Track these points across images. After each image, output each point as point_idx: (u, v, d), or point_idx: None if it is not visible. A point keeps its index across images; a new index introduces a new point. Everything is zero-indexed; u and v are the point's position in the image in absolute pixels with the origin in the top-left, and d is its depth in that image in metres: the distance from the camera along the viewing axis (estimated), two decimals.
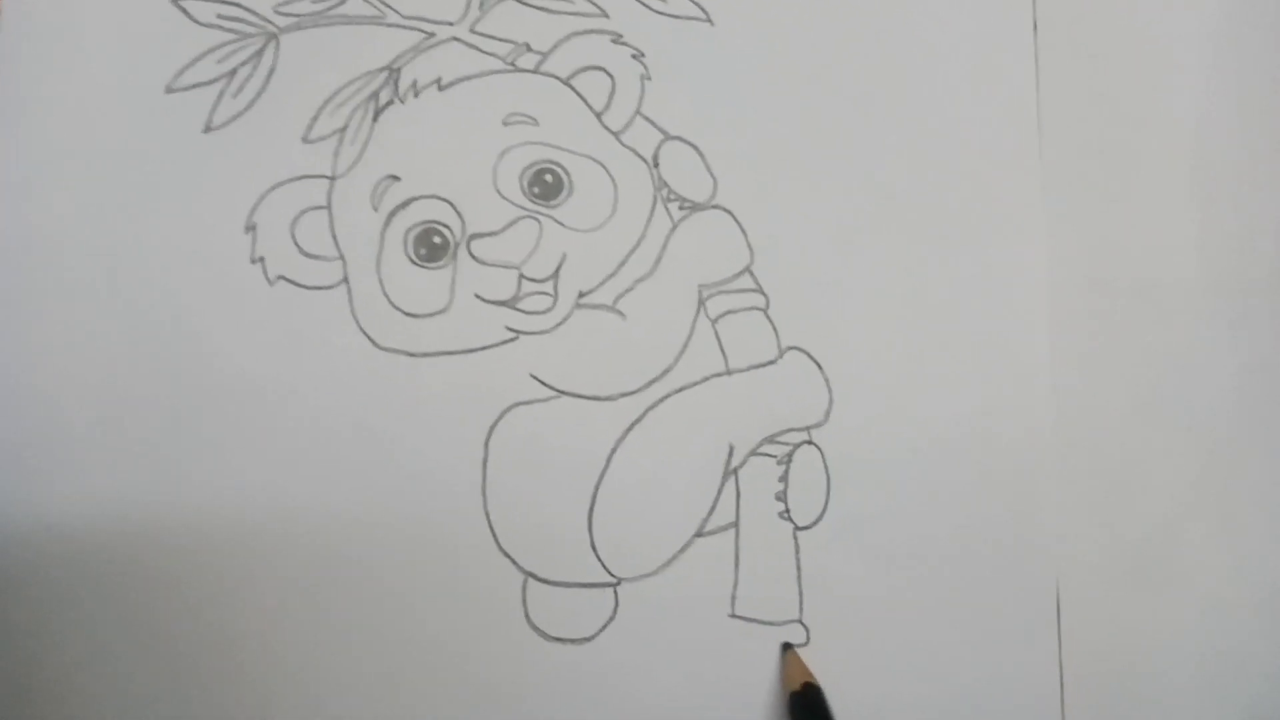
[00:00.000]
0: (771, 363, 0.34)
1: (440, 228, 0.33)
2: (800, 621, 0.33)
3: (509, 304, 0.33)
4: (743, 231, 0.34)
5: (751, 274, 0.34)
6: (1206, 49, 0.37)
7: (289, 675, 0.31)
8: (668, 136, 0.34)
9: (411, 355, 0.33)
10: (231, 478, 0.32)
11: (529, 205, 0.33)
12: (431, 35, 0.34)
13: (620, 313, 0.34)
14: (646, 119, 0.34)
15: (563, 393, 0.33)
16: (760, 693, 0.32)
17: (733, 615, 0.32)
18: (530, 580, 0.32)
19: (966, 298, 0.35)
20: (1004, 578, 0.34)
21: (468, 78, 0.34)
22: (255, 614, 0.31)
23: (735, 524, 0.33)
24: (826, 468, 0.33)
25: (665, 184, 0.34)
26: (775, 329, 0.34)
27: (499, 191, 0.33)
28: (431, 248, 0.33)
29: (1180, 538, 0.35)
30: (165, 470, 0.32)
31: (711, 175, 0.34)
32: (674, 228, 0.34)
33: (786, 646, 0.32)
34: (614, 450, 0.33)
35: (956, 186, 0.35)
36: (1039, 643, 0.33)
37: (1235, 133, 0.37)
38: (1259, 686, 0.34)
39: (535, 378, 0.33)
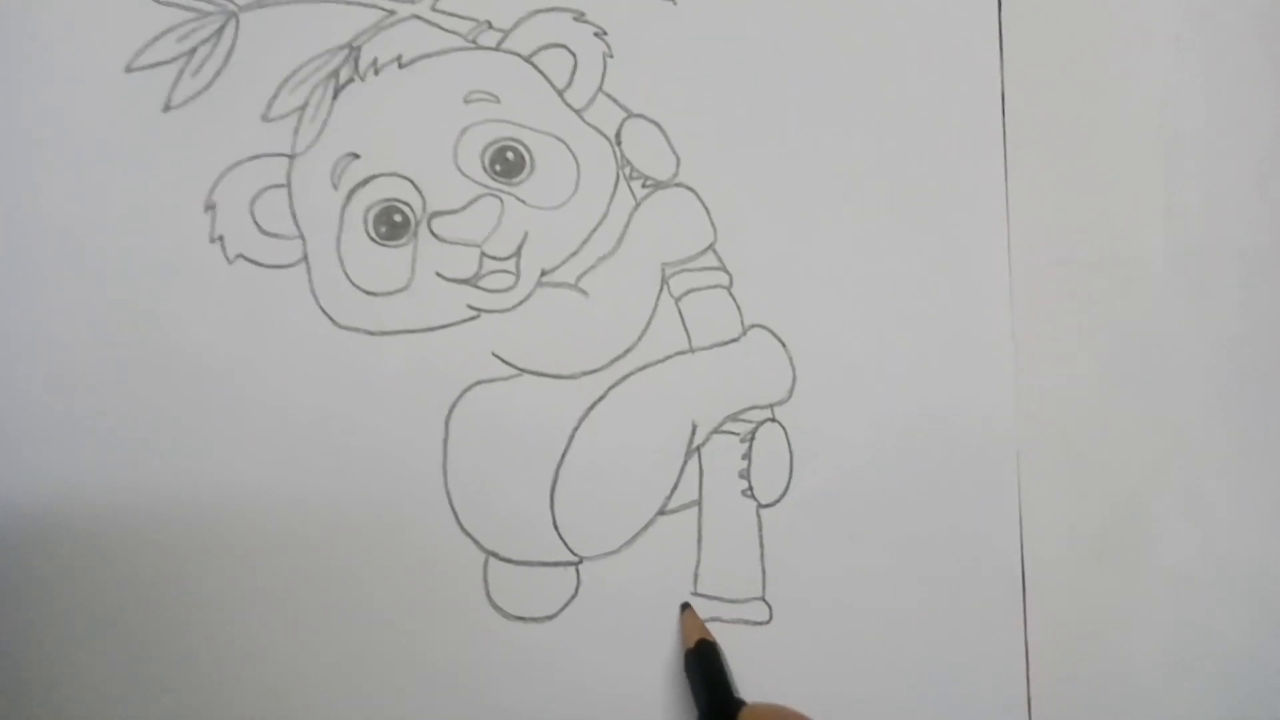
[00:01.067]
0: (735, 340, 0.34)
1: (401, 205, 0.33)
2: (763, 599, 0.32)
3: (470, 282, 0.33)
4: (706, 210, 0.34)
5: (715, 252, 0.34)
6: (1173, 23, 0.37)
7: (249, 655, 0.31)
8: (630, 114, 0.34)
9: (372, 334, 0.32)
10: (191, 458, 0.31)
11: (490, 183, 0.33)
12: (392, 13, 0.34)
13: (583, 291, 0.33)
14: (609, 96, 0.34)
15: (524, 371, 0.33)
16: None
17: (695, 593, 0.32)
18: (492, 559, 0.32)
19: (930, 276, 0.35)
20: (968, 555, 0.33)
21: (428, 55, 0.34)
22: (214, 593, 0.31)
23: (698, 502, 0.33)
24: (790, 445, 0.33)
25: (628, 162, 0.34)
26: (739, 307, 0.34)
27: (460, 169, 0.33)
28: (392, 225, 0.33)
29: (1146, 515, 0.35)
30: (123, 450, 0.31)
31: (674, 153, 0.34)
32: (637, 206, 0.34)
33: (684, 607, 0.32)
34: (576, 429, 0.33)
35: (920, 164, 0.35)
36: (1004, 619, 0.33)
37: (1201, 108, 0.36)
38: (1226, 663, 0.34)
39: (497, 356, 0.33)
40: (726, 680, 0.30)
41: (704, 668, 0.30)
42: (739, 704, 0.29)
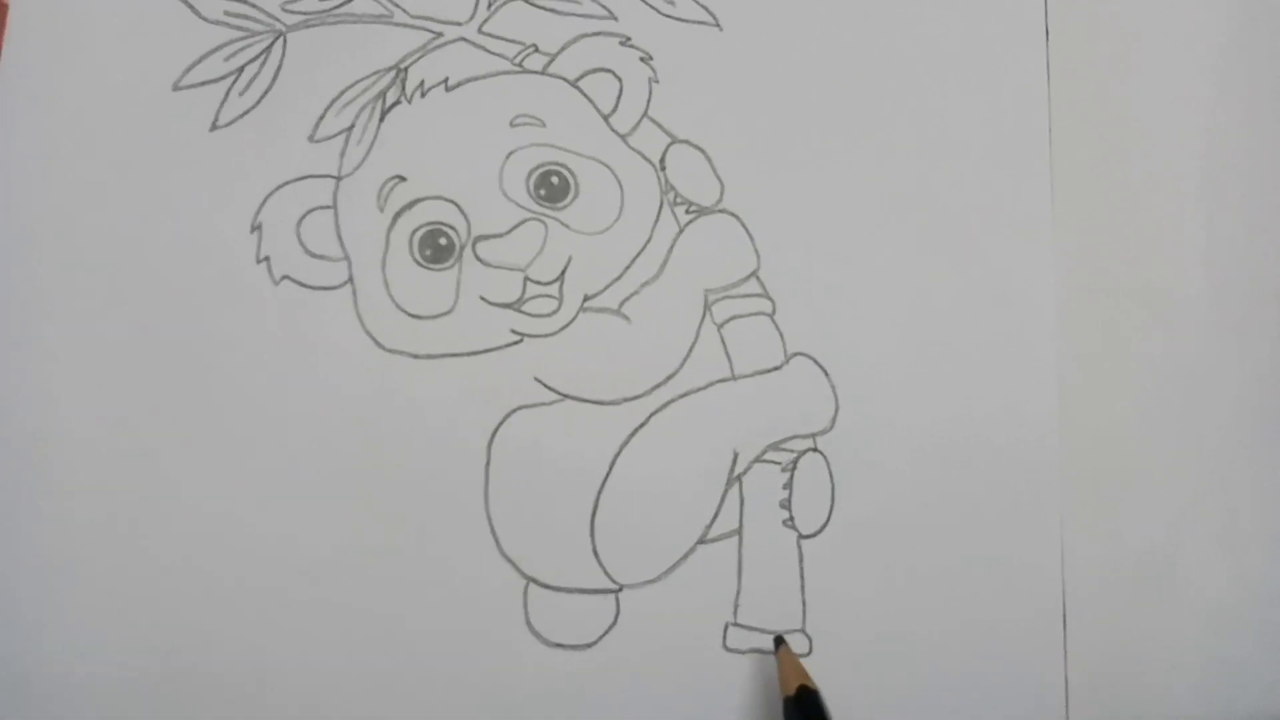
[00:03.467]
0: (777, 368, 0.34)
1: (446, 229, 0.33)
2: (803, 631, 0.32)
3: (514, 306, 0.33)
4: (749, 236, 0.34)
5: (758, 279, 0.34)
6: (1216, 58, 0.37)
7: (288, 677, 0.31)
8: (675, 140, 0.34)
9: (415, 357, 0.32)
10: (234, 477, 0.31)
11: (535, 207, 0.33)
12: (439, 35, 0.34)
13: (625, 316, 0.33)
14: (654, 122, 0.34)
15: (566, 396, 0.33)
16: (761, 703, 0.32)
17: (735, 624, 0.32)
18: (532, 585, 0.32)
19: (974, 304, 0.34)
20: (1010, 587, 0.33)
21: (475, 78, 0.34)
22: (255, 615, 0.31)
23: (738, 531, 0.33)
24: (831, 476, 0.33)
25: (672, 187, 0.34)
26: (781, 334, 0.34)
27: (505, 193, 0.33)
28: (437, 249, 0.33)
29: (1184, 547, 0.34)
30: (168, 470, 0.31)
31: (719, 179, 0.34)
32: (680, 231, 0.34)
33: (779, 643, 0.31)
34: (617, 455, 0.33)
35: (965, 192, 0.35)
36: (1044, 652, 0.33)
37: (1244, 142, 0.36)
38: (1262, 697, 0.34)
39: (539, 381, 0.33)
40: None
41: (813, 715, 0.29)
42: None
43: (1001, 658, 0.33)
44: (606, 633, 0.32)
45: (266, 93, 0.33)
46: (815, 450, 0.33)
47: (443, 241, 0.33)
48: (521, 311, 0.33)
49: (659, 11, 0.35)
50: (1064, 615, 0.33)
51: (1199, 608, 0.34)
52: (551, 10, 0.34)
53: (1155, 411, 0.35)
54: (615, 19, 0.35)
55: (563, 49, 0.34)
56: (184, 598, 0.31)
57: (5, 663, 0.30)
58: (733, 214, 0.34)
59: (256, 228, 0.33)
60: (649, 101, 0.34)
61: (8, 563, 0.31)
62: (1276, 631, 0.34)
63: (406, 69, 0.34)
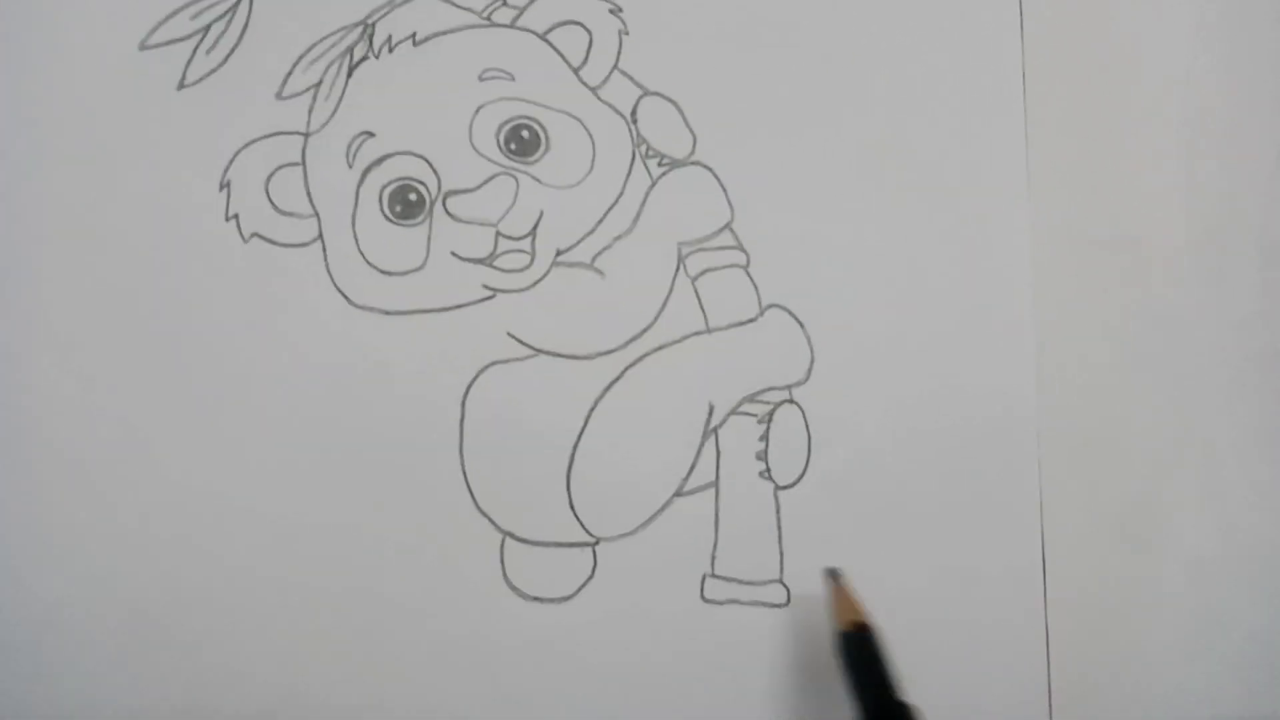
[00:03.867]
0: (752, 321, 0.33)
1: (416, 184, 0.33)
2: (780, 581, 0.32)
3: (486, 262, 0.33)
4: (723, 188, 0.34)
5: (732, 231, 0.34)
6: (1193, 5, 0.36)
7: (267, 637, 0.31)
8: (646, 92, 0.34)
9: (387, 313, 0.32)
10: (206, 435, 0.31)
11: (506, 162, 0.33)
12: None
13: (599, 270, 0.33)
14: (624, 74, 0.34)
15: (540, 351, 0.33)
16: (738, 653, 0.32)
17: (712, 575, 0.32)
18: (508, 540, 0.32)
19: (950, 256, 0.34)
20: (988, 537, 0.33)
21: (443, 33, 0.33)
22: (229, 572, 0.31)
23: (715, 483, 0.33)
24: (808, 426, 0.33)
25: (644, 140, 0.34)
26: (756, 287, 0.34)
27: (475, 148, 0.33)
28: (407, 205, 0.33)
29: (1166, 497, 0.34)
30: (138, 428, 0.31)
31: (691, 131, 0.34)
32: (653, 184, 0.34)
33: (832, 574, 0.30)
34: (592, 409, 0.32)
35: (940, 145, 0.35)
36: (1024, 602, 0.33)
37: (1221, 90, 0.36)
38: (1244, 645, 0.34)
39: (512, 336, 0.33)
40: (886, 677, 0.27)
41: (860, 658, 0.27)
42: (903, 708, 0.26)
43: (981, 607, 0.33)
44: (584, 585, 0.32)
45: (233, 50, 0.33)
46: (791, 402, 0.33)
47: (413, 197, 0.33)
48: (493, 267, 0.33)
49: None
50: (1044, 566, 0.33)
51: (1181, 557, 0.34)
52: None
53: (1135, 362, 0.35)
54: None
55: (531, 2, 0.34)
56: (155, 554, 0.31)
57: None
58: (706, 166, 0.34)
59: (225, 185, 0.32)
60: (619, 54, 0.34)
61: None
62: (1259, 580, 0.34)
63: (374, 24, 0.33)
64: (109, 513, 0.31)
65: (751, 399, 0.33)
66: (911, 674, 0.32)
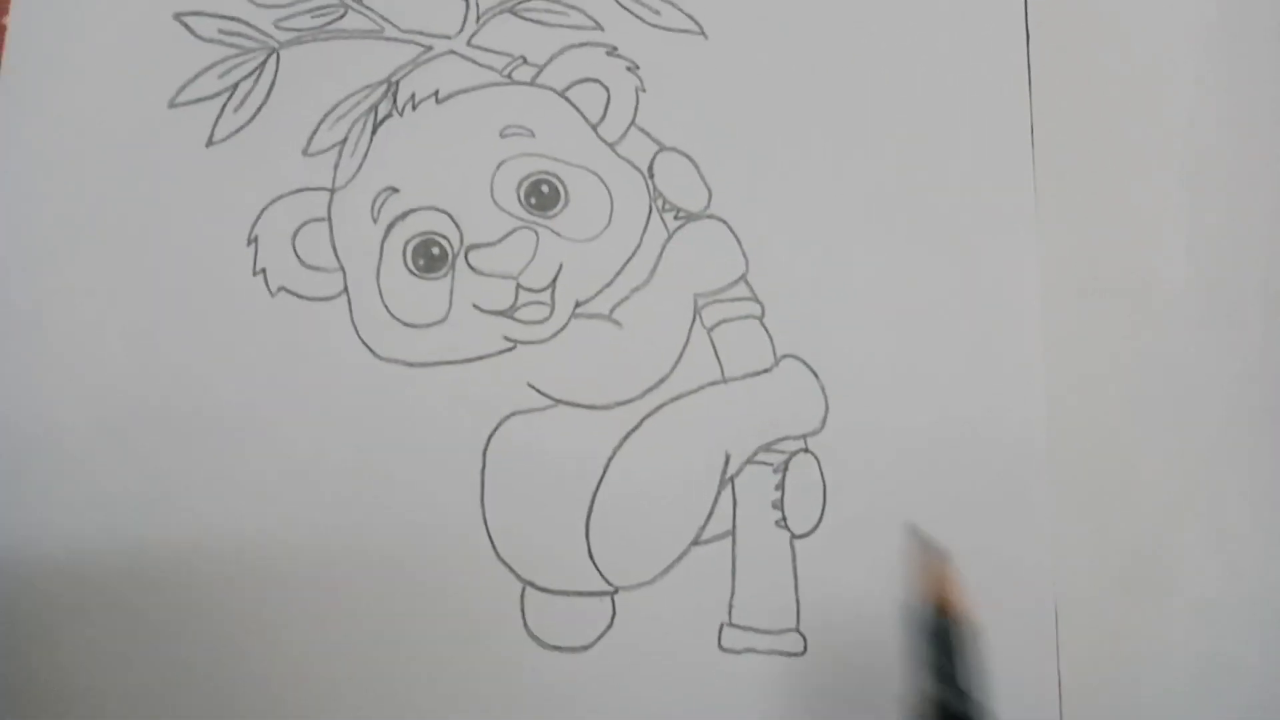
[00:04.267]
0: (767, 371, 0.34)
1: (439, 239, 0.33)
2: (798, 630, 0.33)
3: (506, 314, 0.33)
4: (737, 240, 0.35)
5: (747, 282, 0.34)
6: (1198, 52, 0.37)
7: (289, 683, 0.31)
8: (663, 147, 0.35)
9: (410, 365, 0.33)
10: (232, 487, 0.32)
11: (526, 216, 0.34)
12: (429, 48, 0.35)
13: (617, 322, 0.34)
14: (641, 130, 0.35)
15: (560, 401, 0.33)
16: (756, 702, 0.32)
17: (730, 624, 0.32)
18: (528, 589, 0.32)
19: (960, 303, 0.35)
20: (1001, 585, 0.33)
21: (465, 90, 0.34)
22: (254, 623, 0.31)
23: (732, 532, 0.33)
24: (823, 475, 0.33)
25: (660, 194, 0.35)
26: (771, 337, 0.34)
27: (496, 202, 0.34)
28: (430, 258, 0.33)
29: (1174, 542, 0.35)
30: (167, 480, 0.32)
31: (706, 185, 0.35)
32: (669, 237, 0.34)
33: (916, 532, 0.26)
34: (611, 459, 0.33)
35: (950, 193, 0.35)
36: (1037, 650, 0.33)
37: (1227, 135, 0.37)
38: (1254, 692, 0.34)
39: (533, 387, 0.33)
40: (955, 673, 0.23)
41: (938, 646, 0.23)
42: (977, 707, 0.22)
43: (994, 655, 0.33)
44: (603, 635, 0.32)
45: (260, 108, 0.34)
46: (806, 451, 0.34)
47: (435, 251, 0.33)
48: (514, 319, 0.33)
49: (644, 21, 0.35)
50: (1055, 613, 0.34)
51: (1190, 604, 0.34)
52: (539, 22, 0.35)
53: (1143, 407, 0.35)
54: (602, 29, 0.35)
55: (551, 60, 0.35)
56: (184, 607, 0.31)
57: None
58: (720, 219, 0.35)
59: (253, 240, 0.33)
60: (636, 110, 0.35)
61: (10, 571, 0.31)
62: (1268, 627, 0.35)
63: (398, 82, 0.34)
64: (139, 566, 0.31)
65: (767, 448, 0.33)
66: None
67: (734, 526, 0.33)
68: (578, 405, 0.33)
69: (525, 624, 0.32)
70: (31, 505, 0.32)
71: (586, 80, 0.35)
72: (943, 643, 0.24)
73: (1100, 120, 0.36)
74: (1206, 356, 0.36)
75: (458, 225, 0.33)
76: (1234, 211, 0.36)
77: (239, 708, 0.31)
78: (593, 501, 0.33)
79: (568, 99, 0.35)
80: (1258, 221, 0.37)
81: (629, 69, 0.35)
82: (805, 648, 0.32)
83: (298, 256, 0.33)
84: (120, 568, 0.31)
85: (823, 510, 0.33)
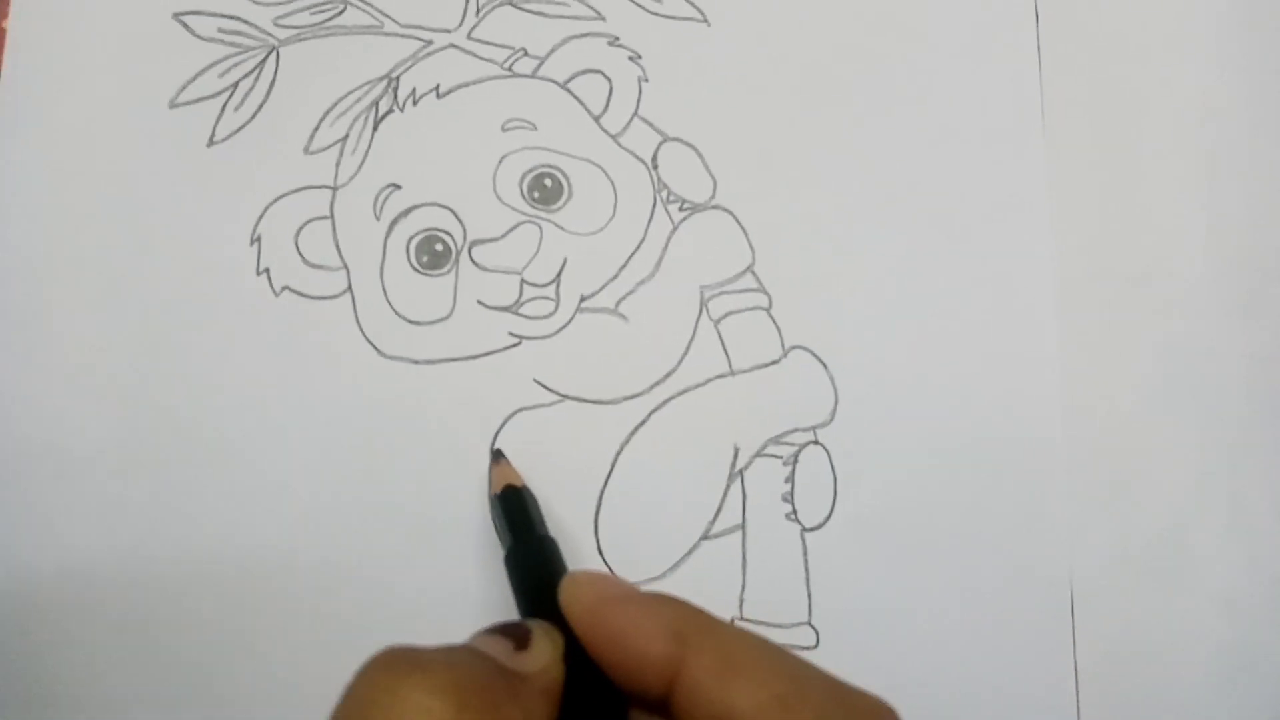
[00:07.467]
0: (775, 362, 0.34)
1: (442, 235, 0.33)
2: (809, 624, 0.32)
3: (511, 309, 0.33)
4: (744, 231, 0.34)
5: (754, 274, 0.34)
6: (1213, 36, 0.36)
7: (295, 685, 0.31)
8: (666, 138, 0.34)
9: (415, 362, 0.33)
10: (237, 489, 0.32)
11: (529, 210, 0.33)
12: (429, 43, 0.34)
13: (622, 316, 0.34)
14: (645, 121, 0.34)
15: (566, 397, 0.33)
16: None
17: (741, 619, 0.32)
18: None
19: (972, 293, 0.34)
20: (1016, 575, 0.33)
21: (466, 84, 0.34)
22: (260, 624, 0.31)
23: (741, 526, 0.33)
24: (833, 467, 0.33)
25: (665, 185, 0.34)
26: (779, 328, 0.34)
27: (499, 197, 0.33)
28: (433, 255, 0.33)
29: (1192, 532, 0.34)
30: (171, 483, 0.32)
31: (711, 175, 0.34)
32: (674, 229, 0.34)
33: (496, 456, 0.31)
34: (619, 454, 0.33)
35: (960, 181, 0.35)
36: (1053, 642, 0.33)
37: (1243, 121, 0.36)
38: (1276, 683, 0.34)
39: (539, 382, 0.33)
40: (531, 519, 0.28)
41: (509, 511, 0.28)
42: (545, 540, 0.27)
43: (1010, 646, 0.33)
44: None
45: (261, 107, 0.34)
46: (816, 443, 0.33)
47: (439, 247, 0.33)
48: (519, 314, 0.33)
49: (646, 10, 0.35)
50: (1072, 603, 0.33)
51: (1209, 594, 0.34)
52: (539, 13, 0.35)
53: (1159, 396, 0.35)
54: (603, 19, 0.35)
55: (552, 51, 0.34)
56: (186, 609, 0.31)
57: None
58: (726, 210, 0.34)
59: (256, 240, 0.33)
60: (639, 100, 0.34)
61: (12, 573, 0.31)
62: None
63: (398, 78, 0.34)
64: (142, 568, 0.32)
65: (776, 441, 0.33)
66: (938, 713, 0.32)
67: (744, 520, 0.33)
68: (584, 400, 0.33)
69: None
70: (33, 510, 0.32)
71: (588, 71, 0.34)
72: (510, 506, 0.28)
73: (1113, 105, 0.36)
74: (1224, 344, 0.35)
75: (461, 221, 0.33)
76: (1251, 197, 0.36)
77: (244, 712, 0.31)
78: (601, 497, 0.33)
79: (570, 91, 0.34)
80: (1275, 207, 0.36)
81: (631, 59, 0.34)
82: (817, 641, 0.32)
83: (301, 255, 0.33)
84: (124, 572, 0.32)
85: (834, 502, 0.33)
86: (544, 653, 0.20)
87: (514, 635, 0.20)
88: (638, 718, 0.21)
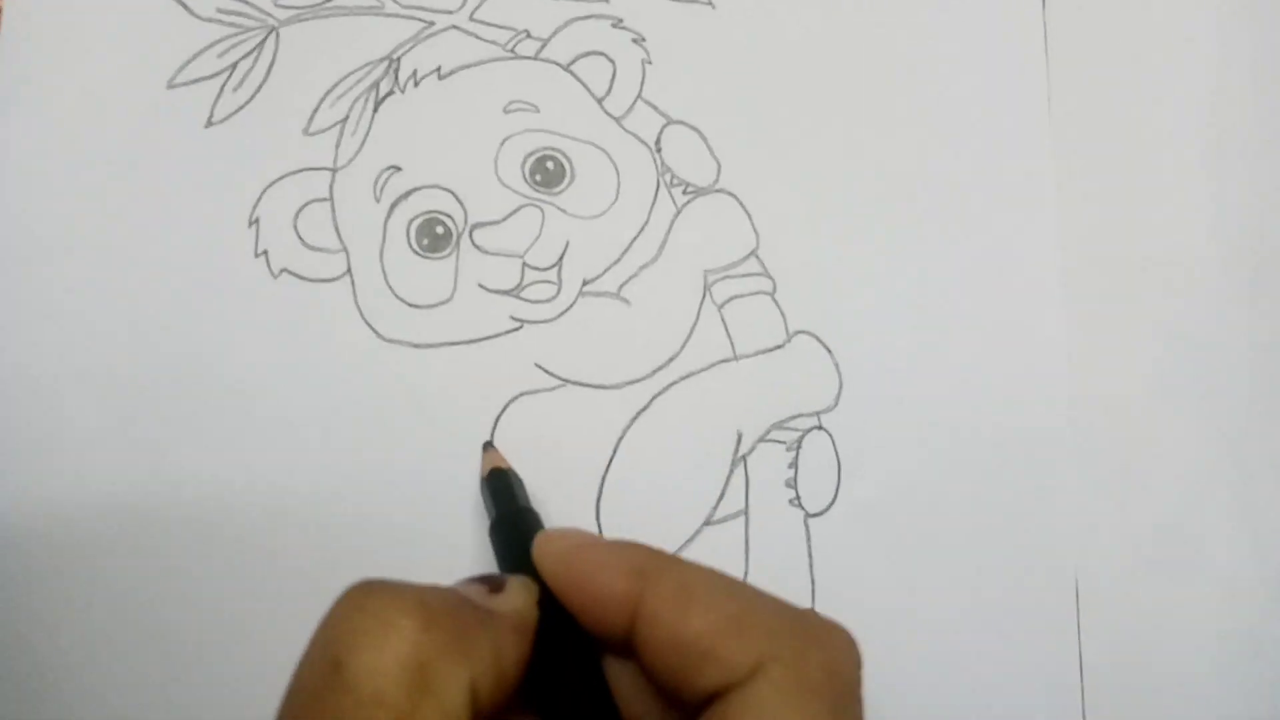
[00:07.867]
0: (779, 347, 0.33)
1: (442, 218, 0.33)
2: (813, 610, 0.32)
3: (513, 293, 0.33)
4: (748, 215, 0.34)
5: (758, 258, 0.34)
6: (1220, 22, 0.36)
7: (289, 665, 0.31)
8: (670, 121, 0.34)
9: (416, 346, 0.32)
10: (236, 471, 0.32)
11: (531, 193, 0.33)
12: (431, 24, 0.34)
13: (625, 300, 0.33)
14: (648, 103, 0.34)
15: (568, 381, 0.33)
16: None
17: None
18: None
19: (978, 278, 0.34)
20: (1021, 563, 0.33)
21: (467, 66, 0.34)
22: (258, 608, 0.31)
23: (744, 512, 0.32)
24: (837, 453, 0.33)
25: (668, 168, 0.34)
26: (783, 313, 0.33)
27: (500, 180, 0.33)
28: (434, 238, 0.33)
29: (1198, 521, 0.34)
30: (169, 465, 0.32)
31: (715, 159, 0.34)
32: (678, 213, 0.34)
33: (487, 446, 0.31)
34: (621, 439, 0.32)
35: (966, 166, 0.34)
36: (1058, 630, 0.33)
37: (1250, 108, 0.36)
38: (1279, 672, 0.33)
39: (540, 367, 0.33)
40: (515, 494, 0.29)
41: (495, 490, 0.29)
42: (526, 510, 0.28)
43: (1014, 634, 0.33)
44: None
45: (260, 88, 0.33)
46: (820, 428, 0.33)
47: (440, 230, 0.33)
48: (520, 298, 0.33)
49: None
50: (1076, 590, 0.33)
51: (1215, 582, 0.34)
52: None
53: (1166, 384, 0.34)
54: (607, 1, 0.34)
55: (555, 33, 0.34)
56: (182, 593, 0.31)
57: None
58: (730, 193, 0.34)
59: (254, 222, 0.33)
60: (642, 83, 0.34)
61: (9, 555, 0.31)
62: None
63: (399, 59, 0.34)
64: (138, 550, 0.31)
65: (780, 426, 0.33)
66: (941, 700, 0.32)
67: (746, 506, 0.32)
68: (586, 385, 0.33)
69: None
70: (30, 486, 0.31)
71: (592, 53, 0.34)
72: (496, 485, 0.29)
73: (1120, 91, 0.35)
74: (1231, 331, 0.35)
75: (462, 203, 0.33)
76: (1258, 183, 0.35)
77: (237, 685, 0.31)
78: (603, 482, 0.32)
79: (572, 73, 0.34)
80: None
81: (635, 41, 0.34)
82: None
83: (300, 238, 0.33)
84: (119, 554, 0.31)
85: (837, 489, 0.33)
86: (517, 595, 0.21)
87: (490, 582, 0.22)
88: (611, 664, 0.22)
